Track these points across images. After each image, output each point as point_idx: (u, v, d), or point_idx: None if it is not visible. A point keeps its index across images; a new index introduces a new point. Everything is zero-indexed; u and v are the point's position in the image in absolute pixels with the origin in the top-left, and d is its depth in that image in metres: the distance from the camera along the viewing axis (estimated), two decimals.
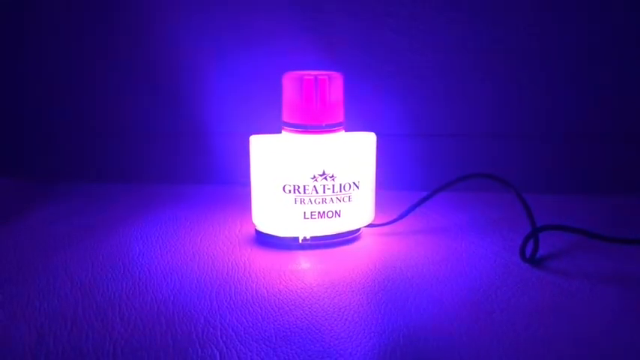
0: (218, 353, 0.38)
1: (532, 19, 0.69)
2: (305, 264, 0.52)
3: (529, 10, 0.68)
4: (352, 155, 0.53)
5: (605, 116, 0.71)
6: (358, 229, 0.56)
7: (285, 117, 0.54)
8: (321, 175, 0.52)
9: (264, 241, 0.55)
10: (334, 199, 0.53)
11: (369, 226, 0.57)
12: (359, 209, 0.55)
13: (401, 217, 0.59)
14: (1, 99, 0.76)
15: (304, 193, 0.52)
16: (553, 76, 0.70)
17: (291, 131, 0.53)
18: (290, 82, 0.52)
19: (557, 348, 0.39)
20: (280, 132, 0.55)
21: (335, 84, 0.53)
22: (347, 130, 0.55)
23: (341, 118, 0.54)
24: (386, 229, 0.58)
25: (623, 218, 0.62)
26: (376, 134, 0.56)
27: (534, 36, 0.69)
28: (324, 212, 0.53)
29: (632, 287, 0.47)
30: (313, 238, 0.54)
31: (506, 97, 0.71)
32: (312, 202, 0.53)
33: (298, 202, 0.53)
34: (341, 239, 0.55)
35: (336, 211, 0.54)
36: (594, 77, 0.70)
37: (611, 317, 0.43)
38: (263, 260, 0.52)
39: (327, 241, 0.55)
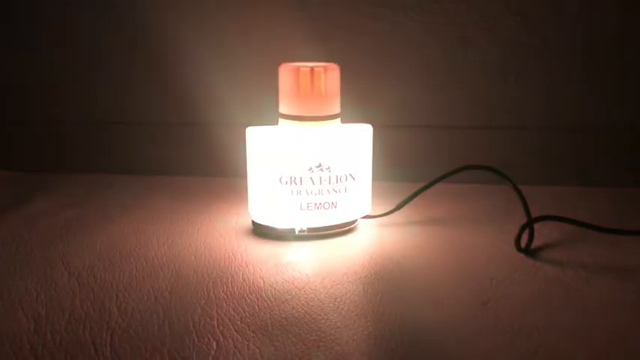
0: (215, 343, 0.38)
1: (533, 12, 0.69)
2: (299, 255, 0.52)
3: (531, 3, 0.68)
4: (348, 147, 0.54)
5: (603, 108, 0.71)
6: (355, 221, 0.57)
7: (282, 108, 0.54)
8: (317, 167, 0.53)
9: (261, 232, 0.55)
10: (330, 191, 0.53)
11: (366, 217, 0.57)
12: (355, 200, 0.55)
13: (397, 208, 0.59)
14: None
15: (301, 184, 0.53)
16: (552, 68, 0.70)
17: (287, 123, 0.53)
18: (286, 73, 0.53)
19: (553, 338, 0.39)
20: (277, 123, 0.55)
21: (331, 75, 0.53)
22: (343, 121, 0.55)
23: (337, 109, 0.54)
24: (382, 220, 0.59)
25: (619, 209, 0.62)
26: (373, 126, 0.56)
27: (534, 29, 0.69)
28: (320, 203, 0.53)
29: (627, 278, 0.48)
30: (310, 229, 0.55)
31: (503, 88, 0.71)
32: (309, 193, 0.53)
33: (295, 194, 0.53)
34: (337, 230, 0.55)
35: (332, 203, 0.54)
36: (594, 70, 0.70)
37: (606, 308, 0.43)
38: (260, 251, 0.52)
39: (324, 232, 0.55)
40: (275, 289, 0.45)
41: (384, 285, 0.46)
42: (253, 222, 0.56)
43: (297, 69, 0.52)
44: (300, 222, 0.54)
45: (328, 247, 0.53)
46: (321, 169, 0.53)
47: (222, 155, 0.70)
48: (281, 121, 0.54)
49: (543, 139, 0.72)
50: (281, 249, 0.53)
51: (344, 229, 0.56)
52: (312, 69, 0.52)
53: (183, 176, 0.74)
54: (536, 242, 0.52)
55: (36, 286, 0.45)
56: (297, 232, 0.54)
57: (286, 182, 0.53)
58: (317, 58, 0.56)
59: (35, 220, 0.59)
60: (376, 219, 0.59)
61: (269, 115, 0.56)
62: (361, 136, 0.55)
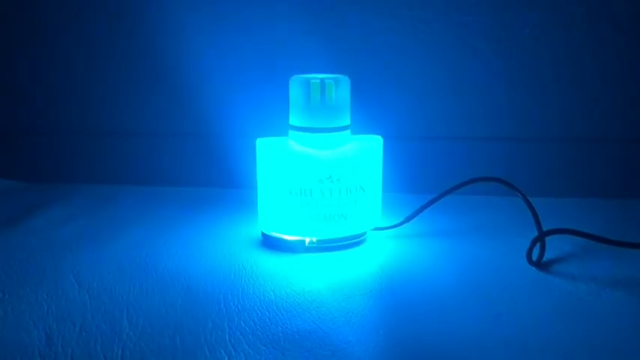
0: (227, 356, 0.38)
1: (542, 24, 0.69)
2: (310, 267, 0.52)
3: (538, 13, 0.68)
4: (359, 158, 0.53)
5: (614, 119, 0.70)
6: (364, 232, 0.57)
7: (292, 120, 0.54)
8: (327, 179, 0.52)
9: (271, 243, 0.55)
10: (340, 203, 0.53)
11: (376, 229, 0.57)
12: (365, 212, 0.55)
13: (407, 220, 0.59)
14: (4, 100, 0.77)
15: (310, 196, 0.53)
16: (561, 78, 0.70)
17: (297, 134, 0.53)
18: (297, 85, 0.53)
19: (565, 352, 0.39)
20: (287, 135, 0.55)
21: (342, 87, 0.53)
22: (353, 132, 0.55)
23: (348, 121, 0.54)
24: (392, 232, 0.58)
25: (631, 222, 0.62)
26: (383, 137, 0.56)
27: (544, 40, 0.69)
28: (330, 215, 0.53)
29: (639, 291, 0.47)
30: (319, 241, 0.54)
31: (514, 99, 0.71)
32: (319, 205, 0.53)
33: (305, 205, 0.53)
34: (347, 242, 0.55)
35: (342, 214, 0.54)
36: (605, 81, 0.70)
37: (618, 321, 0.43)
38: (270, 263, 0.52)
39: (334, 244, 0.55)
40: (286, 302, 0.45)
41: (395, 298, 0.46)
42: (263, 234, 0.56)
43: (308, 81, 0.52)
44: (310, 234, 0.54)
45: (338, 260, 0.53)
46: (331, 181, 0.53)
47: (232, 166, 0.70)
48: (291, 132, 0.54)
49: (554, 150, 0.71)
50: (291, 261, 0.52)
51: (354, 241, 0.56)
52: (322, 81, 0.52)
53: (193, 187, 0.74)
54: (548, 255, 0.52)
55: (47, 298, 0.45)
56: (306, 244, 0.54)
57: (296, 194, 0.53)
58: (327, 70, 0.56)
59: (45, 231, 0.59)
60: (386, 231, 0.58)
61: (279, 127, 0.56)
62: (371, 147, 0.55)
